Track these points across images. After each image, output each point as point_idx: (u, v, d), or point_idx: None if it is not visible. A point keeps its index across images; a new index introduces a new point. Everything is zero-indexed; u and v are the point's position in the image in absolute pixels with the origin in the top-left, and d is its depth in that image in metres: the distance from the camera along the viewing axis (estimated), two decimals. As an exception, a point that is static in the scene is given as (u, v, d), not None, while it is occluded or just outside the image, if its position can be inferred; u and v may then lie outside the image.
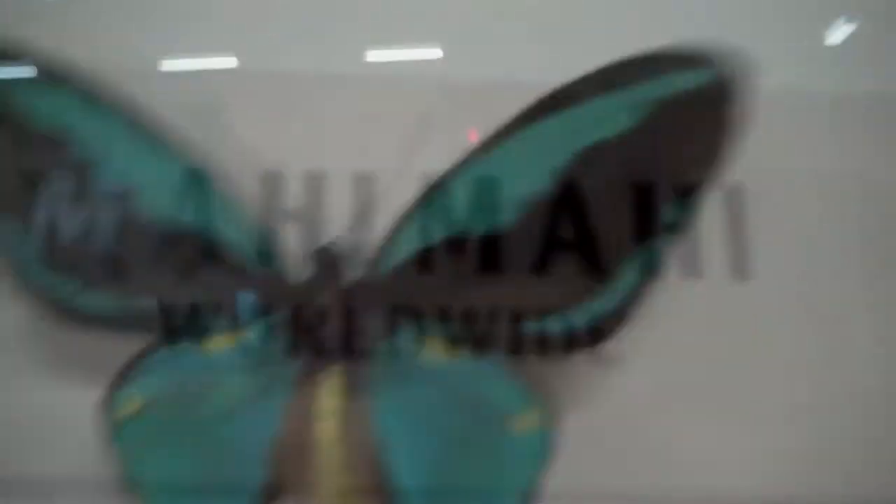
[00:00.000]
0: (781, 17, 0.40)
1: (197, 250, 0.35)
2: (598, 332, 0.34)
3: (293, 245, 0.36)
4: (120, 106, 0.34)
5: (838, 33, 0.40)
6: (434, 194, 0.34)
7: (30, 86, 0.34)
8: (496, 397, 0.35)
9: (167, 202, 0.35)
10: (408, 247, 0.35)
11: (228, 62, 0.39)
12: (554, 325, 0.34)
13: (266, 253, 0.35)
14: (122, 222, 0.35)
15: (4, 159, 0.35)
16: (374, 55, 0.39)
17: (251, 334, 0.36)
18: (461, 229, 0.34)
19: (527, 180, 0.33)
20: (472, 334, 0.35)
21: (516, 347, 0.35)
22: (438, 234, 0.34)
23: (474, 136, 0.37)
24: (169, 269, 0.35)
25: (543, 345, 0.34)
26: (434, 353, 0.35)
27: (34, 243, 0.35)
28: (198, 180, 0.35)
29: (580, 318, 0.34)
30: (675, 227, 0.33)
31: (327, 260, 0.36)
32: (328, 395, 0.35)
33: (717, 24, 0.36)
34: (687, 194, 0.33)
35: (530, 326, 0.34)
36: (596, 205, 0.33)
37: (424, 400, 0.35)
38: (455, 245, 0.34)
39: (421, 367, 0.35)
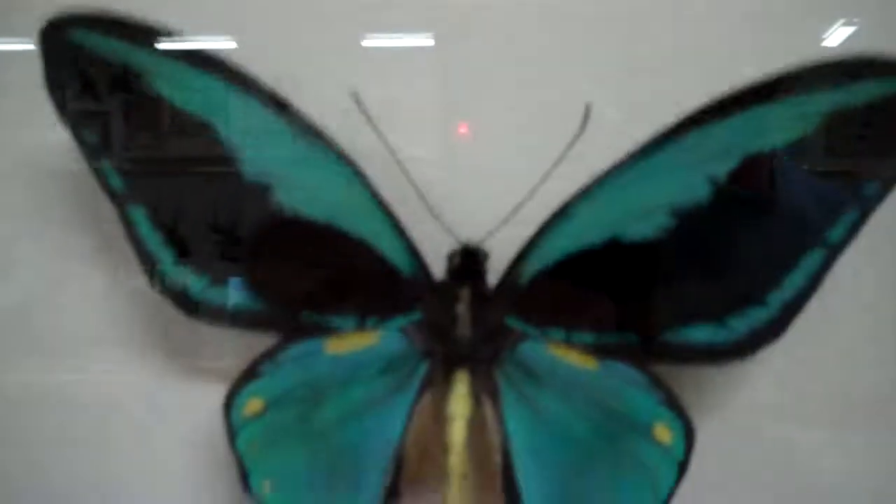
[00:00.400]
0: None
1: (332, 245, 0.34)
2: (753, 342, 0.32)
3: (430, 245, 0.35)
4: (266, 94, 0.33)
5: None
6: (585, 199, 0.32)
7: (175, 70, 0.32)
8: (633, 406, 0.33)
9: (310, 195, 0.33)
10: (552, 253, 0.33)
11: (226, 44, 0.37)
12: (705, 334, 0.33)
13: (402, 251, 0.34)
14: (259, 215, 0.34)
15: (144, 146, 0.34)
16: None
17: (380, 335, 0.35)
18: (611, 235, 0.32)
19: (683, 187, 0.32)
20: (612, 342, 0.33)
21: (658, 356, 0.33)
22: (586, 240, 0.33)
23: (464, 129, 0.36)
24: (301, 264, 0.34)
25: (689, 354, 0.33)
26: (569, 360, 0.34)
27: (168, 234, 0.34)
28: (344, 174, 0.33)
29: (738, 326, 0.32)
30: (847, 236, 0.32)
31: (465, 262, 0.34)
32: (458, 399, 0.34)
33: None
34: (864, 204, 0.31)
35: (678, 335, 0.33)
36: (757, 212, 0.32)
37: (556, 407, 0.34)
38: (604, 252, 0.33)
39: (554, 373, 0.34)
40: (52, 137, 0.37)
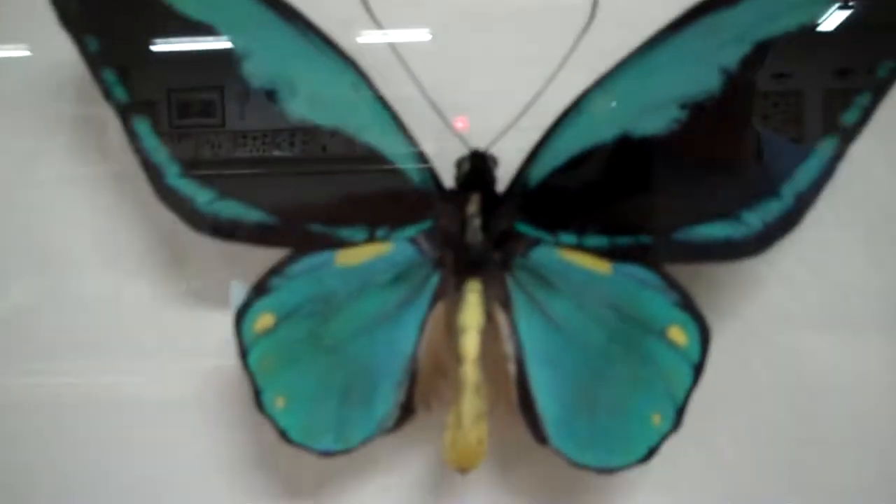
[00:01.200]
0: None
1: (339, 153, 0.33)
2: (767, 236, 0.32)
3: (440, 153, 0.34)
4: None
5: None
6: (594, 95, 0.32)
7: None
8: (648, 309, 0.33)
9: (317, 103, 0.33)
10: (561, 153, 0.33)
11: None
12: (719, 230, 0.32)
13: (411, 158, 0.34)
14: (267, 123, 0.34)
15: (147, 55, 0.33)
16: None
17: (390, 245, 0.34)
18: (621, 132, 0.32)
19: (694, 79, 0.31)
20: (625, 244, 0.33)
21: (672, 256, 0.33)
22: (596, 138, 0.32)
23: (463, 123, 0.35)
24: (308, 174, 0.34)
25: (703, 252, 0.33)
26: (582, 264, 0.33)
27: (172, 147, 0.33)
28: (350, 79, 0.33)
29: (752, 220, 0.32)
30: (860, 120, 0.31)
31: (473, 169, 0.34)
32: (470, 309, 0.33)
33: None
34: (878, 86, 0.31)
35: (692, 233, 0.32)
36: (769, 100, 0.31)
37: (569, 313, 0.34)
38: (614, 149, 0.32)
39: (567, 279, 0.34)
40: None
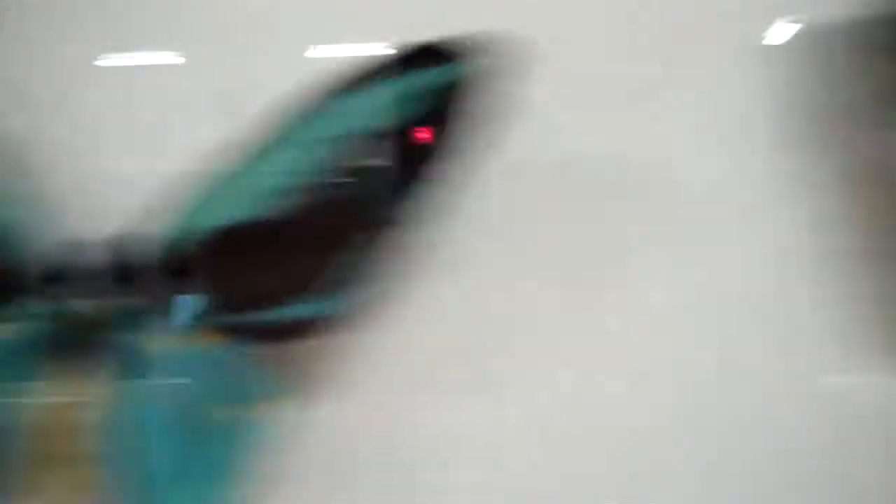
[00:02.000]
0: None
1: None
2: (359, 314, 0.35)
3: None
4: None
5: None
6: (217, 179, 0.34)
7: None
8: (246, 384, 0.35)
9: None
10: (158, 243, 0.34)
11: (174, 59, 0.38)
12: (310, 310, 0.34)
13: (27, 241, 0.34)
14: None
15: None
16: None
17: (7, 326, 0.34)
18: (216, 221, 0.34)
19: (282, 172, 0.34)
20: (222, 323, 0.35)
21: (265, 335, 0.35)
22: (189, 228, 0.34)
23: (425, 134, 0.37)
24: None
25: (299, 331, 0.35)
26: (189, 343, 0.35)
27: None
28: None
29: (342, 301, 0.34)
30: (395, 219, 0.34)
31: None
32: (79, 385, 0.33)
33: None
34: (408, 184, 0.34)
35: (284, 313, 0.35)
36: (350, 191, 0.34)
37: (174, 388, 0.35)
38: (223, 232, 0.34)
39: (170, 355, 0.35)
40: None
